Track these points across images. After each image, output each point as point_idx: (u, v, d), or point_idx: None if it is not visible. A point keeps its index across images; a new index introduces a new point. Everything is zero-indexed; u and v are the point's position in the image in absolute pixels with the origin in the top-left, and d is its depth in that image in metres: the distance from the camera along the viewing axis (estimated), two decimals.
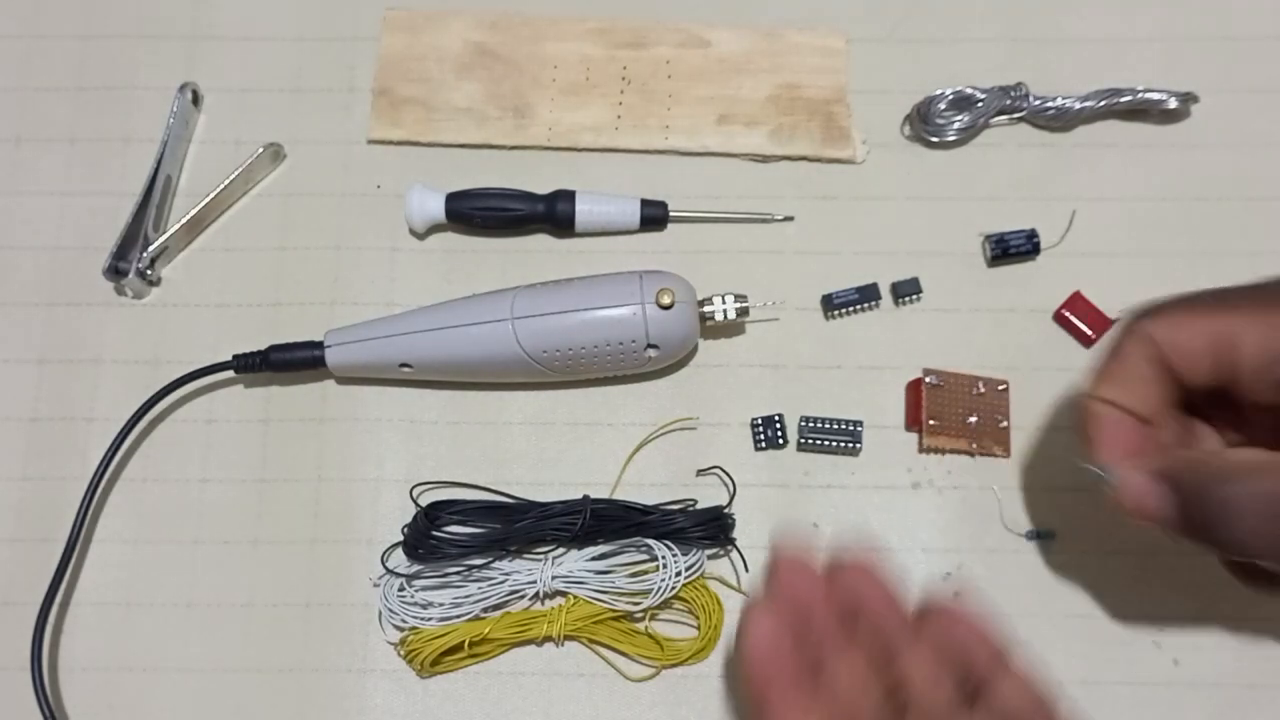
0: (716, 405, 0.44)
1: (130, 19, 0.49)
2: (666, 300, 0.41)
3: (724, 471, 0.43)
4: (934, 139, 0.46)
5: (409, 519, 0.41)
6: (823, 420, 0.43)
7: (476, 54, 0.48)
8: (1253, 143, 0.47)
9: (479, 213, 0.45)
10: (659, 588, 0.40)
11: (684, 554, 0.40)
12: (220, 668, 0.41)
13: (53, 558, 0.41)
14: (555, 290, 0.42)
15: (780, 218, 0.46)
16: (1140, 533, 0.35)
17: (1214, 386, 0.35)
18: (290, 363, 0.43)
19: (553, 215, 0.45)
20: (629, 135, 0.47)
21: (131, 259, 0.45)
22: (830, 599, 0.32)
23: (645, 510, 0.41)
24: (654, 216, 0.45)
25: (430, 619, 0.40)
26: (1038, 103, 0.46)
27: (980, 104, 0.46)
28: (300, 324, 0.45)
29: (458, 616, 0.40)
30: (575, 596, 0.40)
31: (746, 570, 0.42)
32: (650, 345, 0.41)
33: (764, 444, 0.43)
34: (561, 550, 0.41)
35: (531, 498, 0.42)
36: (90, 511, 0.42)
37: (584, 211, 0.45)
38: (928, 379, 0.43)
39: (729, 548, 0.41)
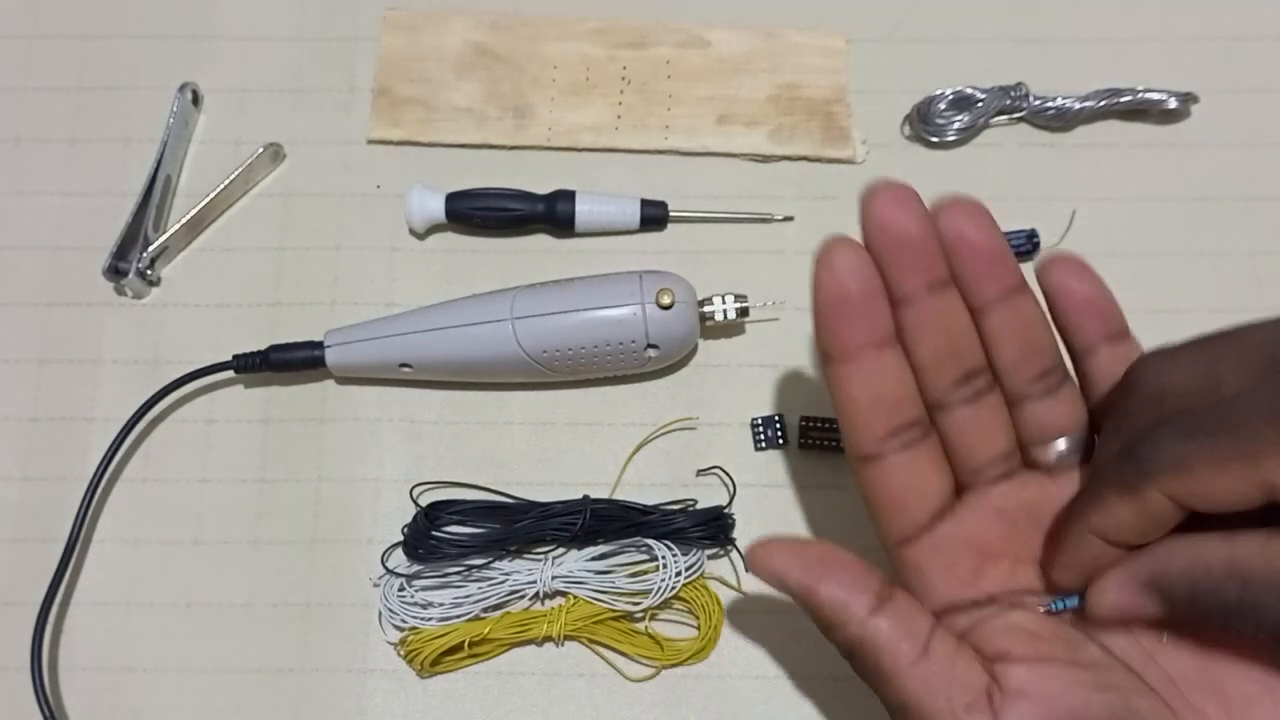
0: (716, 405, 0.44)
1: (130, 19, 0.49)
2: (666, 300, 0.41)
3: (724, 471, 0.43)
4: (934, 139, 0.46)
5: (409, 519, 0.41)
6: (823, 420, 0.43)
7: (476, 54, 0.48)
8: (1253, 143, 0.47)
9: (479, 213, 0.45)
10: (659, 588, 0.40)
11: (684, 554, 0.40)
12: (220, 668, 0.41)
13: (53, 558, 0.41)
14: (555, 290, 0.42)
15: (780, 218, 0.46)
16: None
17: None
18: (290, 363, 0.43)
19: (553, 215, 0.45)
20: (629, 135, 0.47)
21: (131, 259, 0.45)
22: (929, 241, 0.28)
23: (645, 510, 0.41)
24: (654, 216, 0.45)
25: (430, 619, 0.40)
26: (1038, 103, 0.46)
27: (980, 104, 0.46)
28: (300, 324, 0.45)
29: (458, 616, 0.40)
30: (575, 596, 0.40)
31: (747, 570, 0.42)
32: (650, 345, 0.41)
33: (764, 444, 0.43)
34: (561, 550, 0.41)
35: (531, 498, 0.42)
36: (90, 511, 0.42)
37: (584, 211, 0.45)
38: None
39: (729, 548, 0.41)
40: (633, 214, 0.45)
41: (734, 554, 0.42)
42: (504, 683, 0.41)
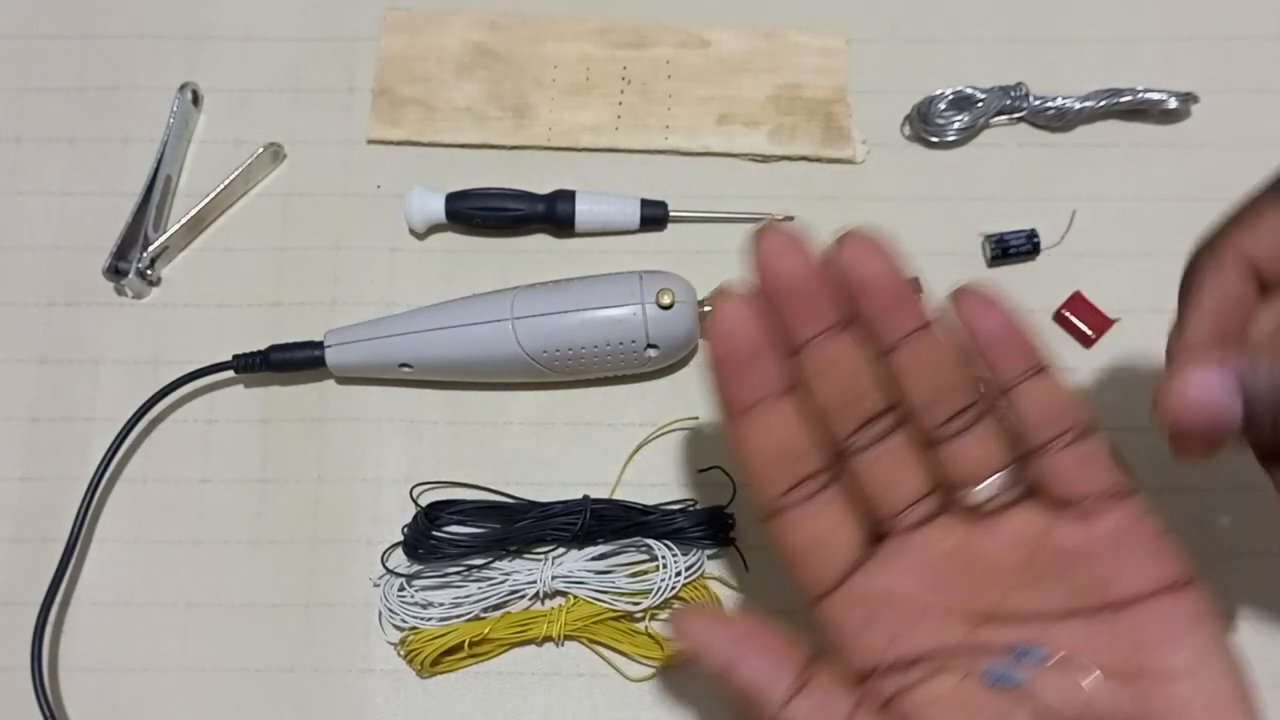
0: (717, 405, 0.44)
1: (130, 19, 0.49)
2: (666, 300, 0.41)
3: (724, 471, 0.43)
4: (934, 139, 0.46)
5: (409, 519, 0.41)
6: None
7: (476, 54, 0.48)
8: (1253, 143, 0.47)
9: (479, 213, 0.45)
10: (659, 588, 0.40)
11: (684, 554, 0.40)
12: (220, 668, 0.41)
13: (53, 558, 0.41)
14: (555, 290, 0.42)
15: (780, 218, 0.46)
16: None
17: None
18: (290, 363, 0.43)
19: (553, 215, 0.45)
20: (629, 135, 0.47)
21: (131, 259, 0.45)
22: (822, 284, 0.28)
23: (645, 510, 0.41)
24: (654, 216, 0.45)
25: (430, 619, 0.40)
26: (1038, 103, 0.46)
27: (980, 104, 0.46)
28: (300, 324, 0.45)
29: (458, 616, 0.40)
30: (575, 596, 0.40)
31: (747, 570, 0.42)
32: (650, 345, 0.41)
33: None
34: (561, 550, 0.41)
35: (531, 498, 0.42)
36: (90, 511, 0.42)
37: (584, 211, 0.45)
38: None
39: (729, 548, 0.41)
40: (633, 214, 0.45)
41: (734, 554, 0.42)
42: (504, 683, 0.41)
